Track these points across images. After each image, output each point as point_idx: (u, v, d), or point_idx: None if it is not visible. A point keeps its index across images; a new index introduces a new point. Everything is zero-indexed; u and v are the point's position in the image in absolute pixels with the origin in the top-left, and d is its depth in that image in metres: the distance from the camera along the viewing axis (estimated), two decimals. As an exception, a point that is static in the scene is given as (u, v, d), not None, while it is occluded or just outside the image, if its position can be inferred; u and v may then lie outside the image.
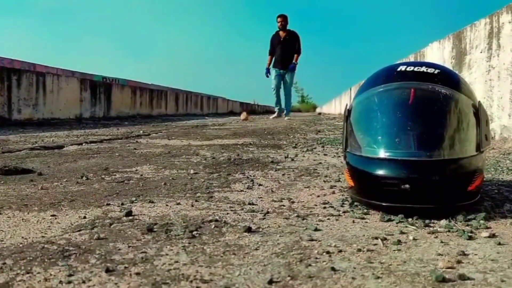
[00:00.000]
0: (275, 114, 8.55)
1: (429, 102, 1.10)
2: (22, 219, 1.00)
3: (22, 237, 0.86)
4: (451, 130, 1.08)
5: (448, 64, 3.68)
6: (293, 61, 8.07)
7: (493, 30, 2.87)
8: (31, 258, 0.73)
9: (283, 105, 8.39)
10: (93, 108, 8.06)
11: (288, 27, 8.19)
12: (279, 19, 8.15)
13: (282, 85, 8.21)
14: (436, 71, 1.14)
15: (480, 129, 1.08)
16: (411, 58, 5.21)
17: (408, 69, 1.15)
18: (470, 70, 3.25)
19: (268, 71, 8.33)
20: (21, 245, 0.80)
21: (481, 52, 3.07)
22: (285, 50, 8.04)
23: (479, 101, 1.13)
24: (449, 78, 1.15)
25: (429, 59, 4.33)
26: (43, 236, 0.86)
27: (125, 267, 0.69)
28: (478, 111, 1.10)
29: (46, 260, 0.72)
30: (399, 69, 1.16)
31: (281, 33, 8.17)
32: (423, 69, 1.14)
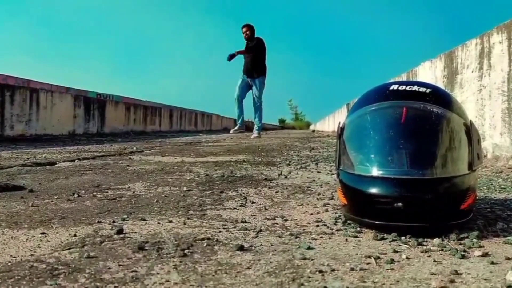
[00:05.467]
0: (236, 127, 7.92)
1: (421, 121, 1.10)
2: (12, 237, 0.99)
3: (11, 256, 0.84)
4: (443, 149, 1.09)
5: (440, 83, 3.72)
6: (236, 52, 7.47)
7: (484, 50, 2.92)
8: (19, 277, 0.72)
9: (256, 123, 7.80)
10: (87, 124, 8.04)
11: (256, 35, 7.65)
12: (244, 29, 7.61)
13: (245, 95, 7.66)
14: (428, 90, 1.15)
15: (472, 148, 1.09)
16: (404, 77, 5.27)
17: (400, 88, 1.16)
18: (462, 89, 3.29)
19: (230, 56, 7.49)
20: (9, 264, 0.79)
21: (472, 72, 3.11)
22: (253, 58, 7.51)
23: (470, 120, 1.14)
24: (441, 97, 1.16)
25: (421, 78, 4.37)
26: (32, 255, 0.85)
27: (115, 287, 0.68)
28: (470, 130, 1.11)
29: (34, 279, 0.71)
30: (391, 88, 1.17)
31: (248, 43, 7.64)
32: (415, 88, 1.15)
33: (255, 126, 7.74)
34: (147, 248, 0.89)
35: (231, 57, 7.50)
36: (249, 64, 7.57)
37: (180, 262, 0.81)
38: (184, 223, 1.13)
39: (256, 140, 6.77)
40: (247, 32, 7.58)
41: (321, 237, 1.00)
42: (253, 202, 1.45)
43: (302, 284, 0.70)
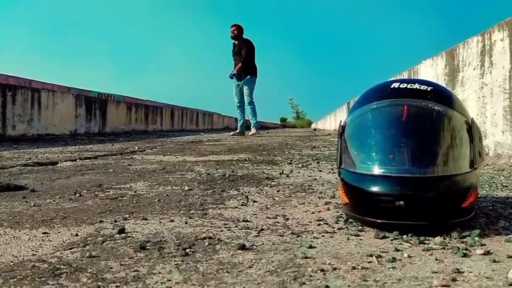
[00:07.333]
0: (236, 131, 8.17)
1: (423, 119, 1.10)
2: (14, 236, 0.99)
3: (13, 255, 0.84)
4: (445, 147, 1.09)
5: (442, 81, 3.71)
6: (234, 70, 7.72)
7: (485, 48, 2.91)
8: (21, 277, 0.72)
9: (251, 120, 8.00)
10: (88, 124, 8.05)
11: (244, 36, 7.82)
12: (232, 28, 7.77)
13: (244, 100, 7.88)
14: (429, 88, 1.14)
15: (473, 146, 1.09)
16: (405, 75, 5.26)
17: (401, 86, 1.16)
18: (463, 87, 3.28)
19: (232, 75, 7.85)
20: (11, 264, 0.79)
21: (473, 69, 3.10)
22: (238, 60, 7.70)
23: (472, 118, 1.14)
24: (442, 95, 1.16)
25: (422, 76, 4.37)
26: (34, 254, 0.85)
27: (117, 286, 0.68)
28: (471, 128, 1.10)
29: (36, 279, 0.71)
30: (392, 86, 1.17)
31: (235, 43, 7.83)
32: (416, 86, 1.15)
33: (251, 124, 8.04)
34: (148, 247, 0.89)
35: (232, 76, 7.85)
36: (235, 67, 7.83)
37: (182, 261, 0.81)
38: (186, 222, 1.13)
39: (257, 138, 6.78)
40: (235, 32, 7.81)
41: (322, 236, 1.00)
42: (254, 201, 1.45)
43: (304, 283, 0.70)
